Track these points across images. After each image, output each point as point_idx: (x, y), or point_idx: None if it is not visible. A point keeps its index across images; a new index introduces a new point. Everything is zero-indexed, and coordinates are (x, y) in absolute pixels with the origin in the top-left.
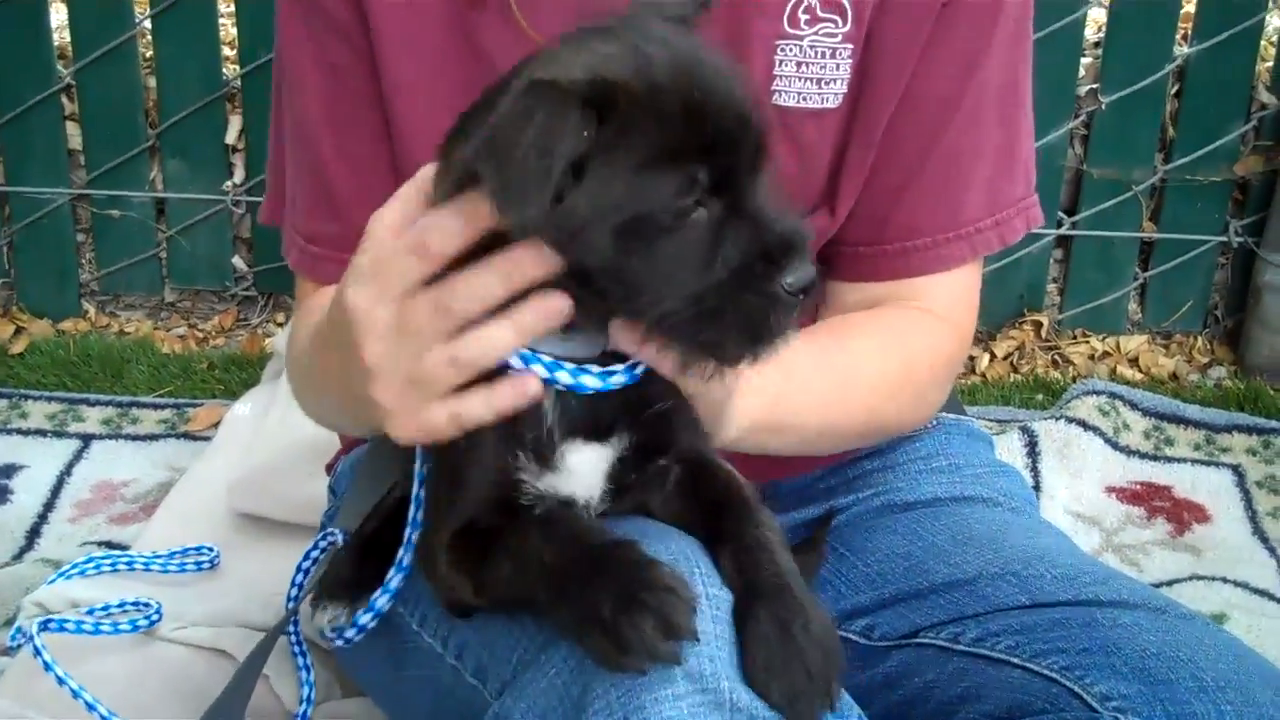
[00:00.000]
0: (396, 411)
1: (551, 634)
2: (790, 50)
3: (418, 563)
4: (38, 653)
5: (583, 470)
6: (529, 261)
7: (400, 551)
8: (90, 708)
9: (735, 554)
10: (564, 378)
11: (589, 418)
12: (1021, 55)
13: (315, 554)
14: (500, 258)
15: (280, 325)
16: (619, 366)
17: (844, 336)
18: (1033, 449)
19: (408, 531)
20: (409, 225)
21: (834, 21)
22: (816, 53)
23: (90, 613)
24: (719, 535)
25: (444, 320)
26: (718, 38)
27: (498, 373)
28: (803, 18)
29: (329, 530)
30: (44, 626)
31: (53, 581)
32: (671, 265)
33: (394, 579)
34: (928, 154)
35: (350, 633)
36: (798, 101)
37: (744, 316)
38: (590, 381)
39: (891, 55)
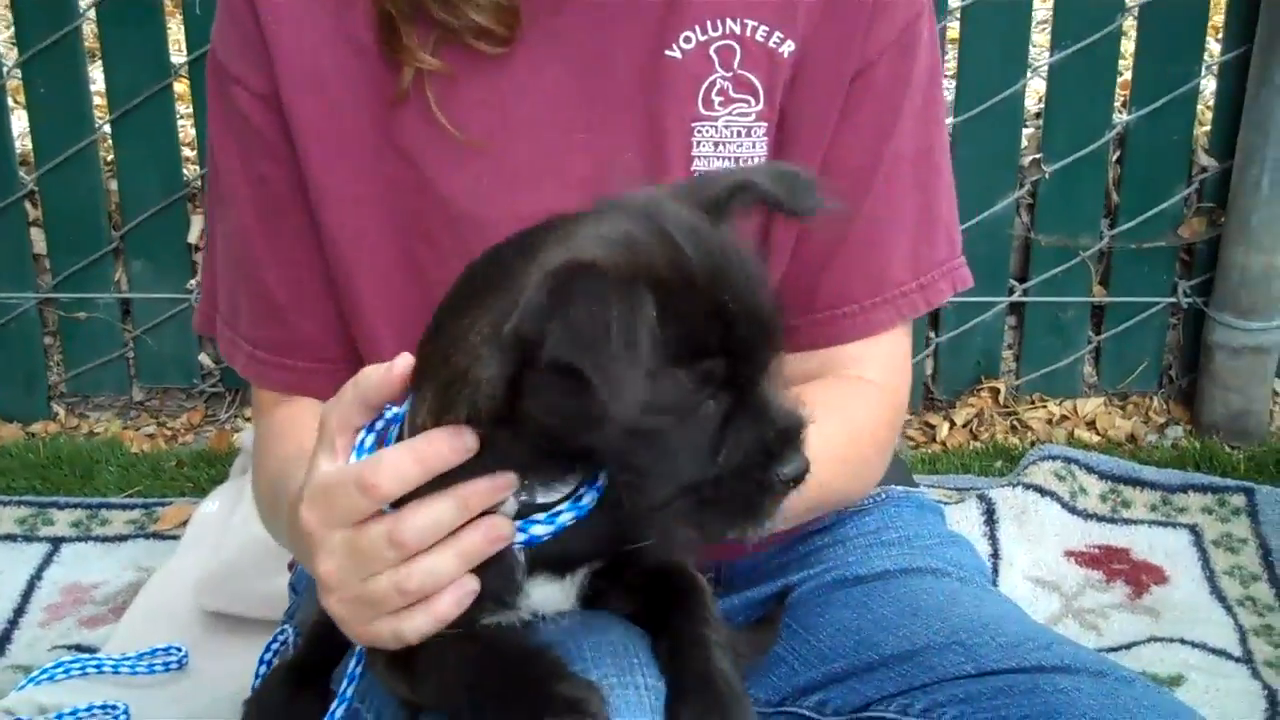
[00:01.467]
0: (345, 619)
1: None
2: (706, 131)
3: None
4: None
5: (547, 603)
6: (485, 492)
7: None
8: None
9: (671, 649)
10: (538, 530)
11: (558, 556)
12: (933, 119)
13: (275, 648)
14: (459, 490)
15: (248, 420)
16: (564, 505)
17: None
18: (990, 516)
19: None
20: (348, 427)
21: (746, 101)
22: (732, 132)
23: (59, 718)
24: (663, 630)
25: (395, 551)
26: (635, 127)
27: None
28: (716, 99)
29: (282, 628)
30: None
31: (22, 688)
32: (675, 455)
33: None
34: (848, 222)
35: None
36: None
37: (736, 502)
38: (540, 530)
39: (807, 131)
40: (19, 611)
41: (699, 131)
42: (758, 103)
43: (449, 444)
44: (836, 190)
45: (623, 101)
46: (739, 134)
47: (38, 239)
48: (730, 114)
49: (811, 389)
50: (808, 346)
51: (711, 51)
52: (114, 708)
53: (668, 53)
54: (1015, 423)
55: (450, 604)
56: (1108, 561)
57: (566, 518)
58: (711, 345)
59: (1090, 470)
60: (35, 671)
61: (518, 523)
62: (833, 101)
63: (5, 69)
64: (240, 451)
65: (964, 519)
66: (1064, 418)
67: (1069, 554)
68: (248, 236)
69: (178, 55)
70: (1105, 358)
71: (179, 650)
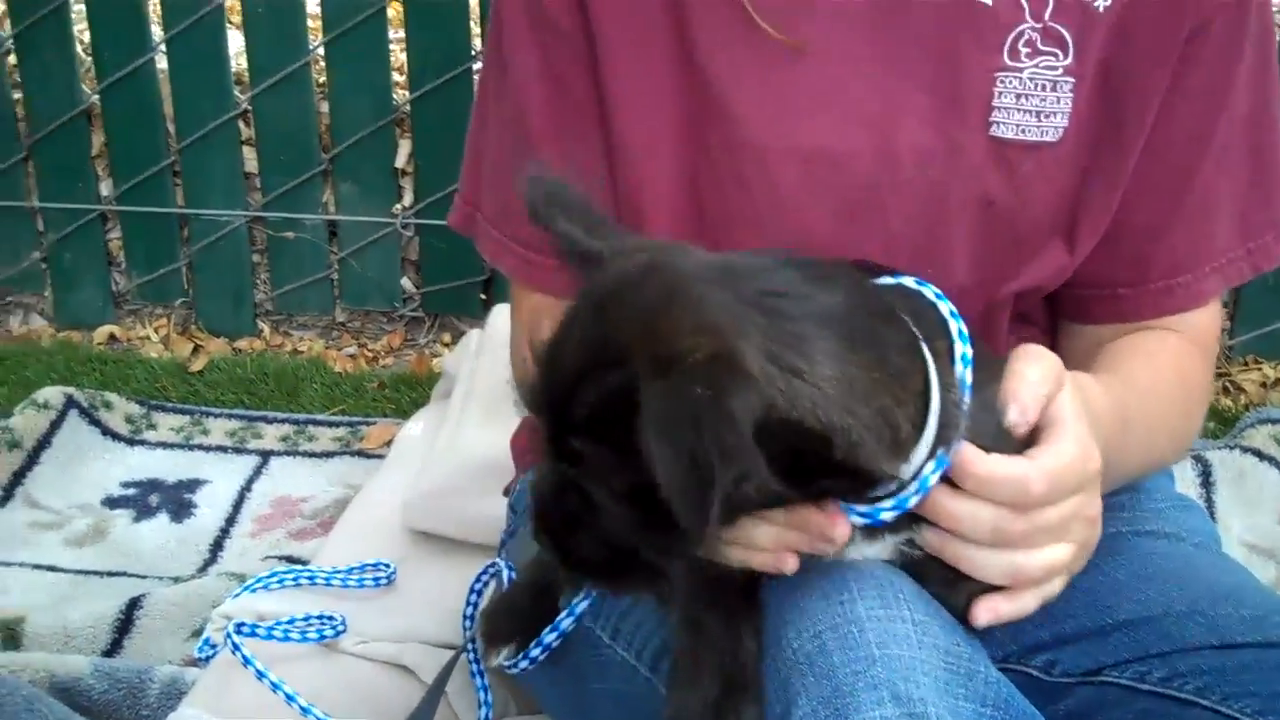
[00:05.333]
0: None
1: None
2: (1010, 82)
3: None
4: (246, 660)
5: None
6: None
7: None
8: (297, 703)
9: None
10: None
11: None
12: (1267, 74)
13: (485, 579)
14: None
15: (446, 346)
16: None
17: (1143, 365)
18: (1206, 479)
19: None
20: None
21: (1055, 55)
22: (1036, 85)
23: (278, 625)
24: None
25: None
26: (932, 69)
27: None
28: (1023, 50)
29: (494, 562)
30: (239, 630)
31: (238, 595)
32: None
33: (565, 620)
34: (1183, 193)
35: (524, 663)
36: (1017, 134)
37: None
38: (888, 516)
39: (1134, 93)
40: (230, 521)
41: (1001, 82)
42: (1066, 57)
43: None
44: (1170, 166)
45: (922, 40)
46: (1044, 88)
47: (249, 158)
48: (1037, 66)
49: (1145, 340)
50: (1134, 317)
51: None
52: (331, 618)
53: None
54: (1228, 384)
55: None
56: None
57: (914, 501)
58: None
59: None
60: (250, 580)
61: (863, 507)
62: (1164, 63)
63: None
64: (442, 375)
65: (1180, 481)
66: (1278, 381)
67: None
68: (536, 138)
69: None
70: None
71: (388, 566)
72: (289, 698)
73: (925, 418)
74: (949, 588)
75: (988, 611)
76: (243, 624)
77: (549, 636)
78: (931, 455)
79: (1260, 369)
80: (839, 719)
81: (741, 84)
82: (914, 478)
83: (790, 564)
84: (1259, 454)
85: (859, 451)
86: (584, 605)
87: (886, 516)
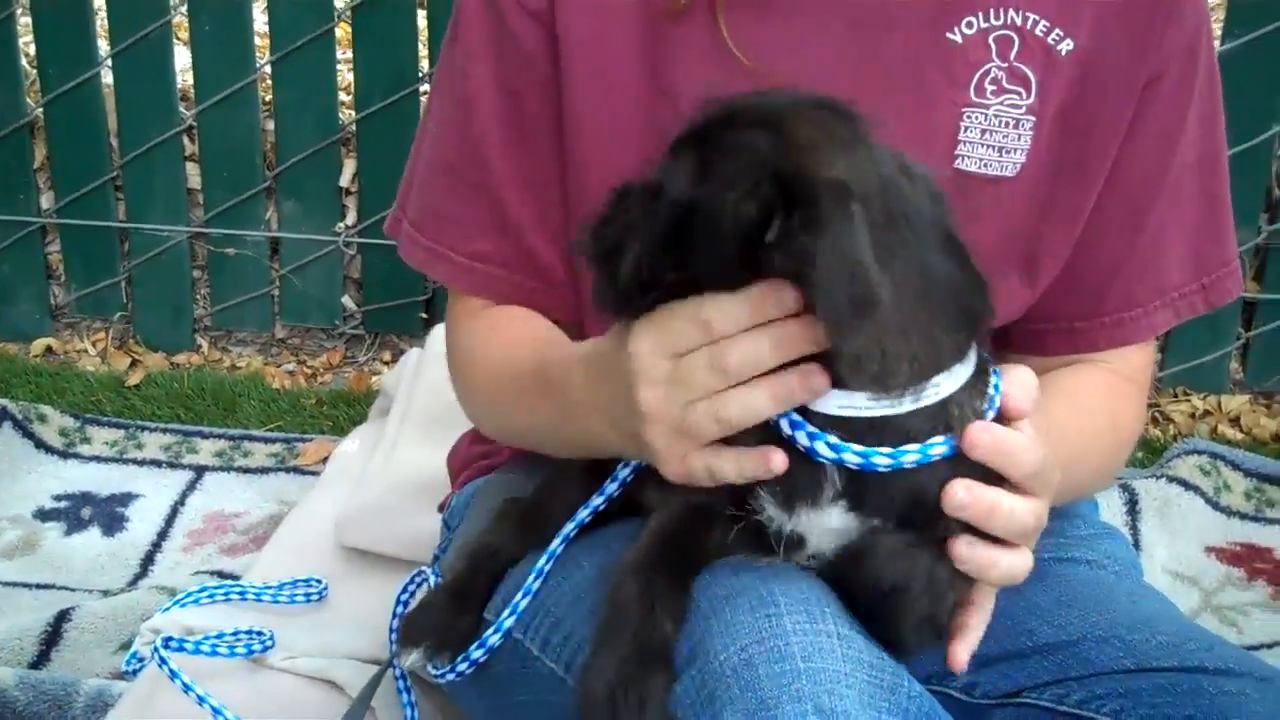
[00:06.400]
0: (663, 453)
1: (685, 661)
2: (975, 118)
3: None
4: (173, 674)
5: (824, 539)
6: (804, 337)
7: (530, 578)
8: (224, 716)
9: None
10: (822, 449)
11: (858, 489)
12: (1215, 123)
13: (411, 588)
14: (779, 328)
15: (386, 364)
16: (912, 446)
17: (1074, 398)
18: (1133, 507)
19: (539, 566)
20: None
21: (1019, 93)
22: (1000, 122)
23: (206, 639)
24: None
25: (716, 379)
26: (902, 101)
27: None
28: (989, 88)
29: (421, 570)
30: (166, 645)
31: (168, 609)
32: None
33: (492, 636)
34: (1137, 230)
35: (450, 675)
36: (979, 168)
37: None
38: (879, 461)
39: (1098, 135)
40: (162, 535)
41: (968, 117)
42: (1029, 96)
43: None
44: (1128, 204)
45: (895, 74)
46: (1007, 125)
47: (193, 174)
48: (1001, 104)
49: (1074, 379)
50: (1087, 349)
51: (991, 40)
52: (260, 633)
53: (949, 35)
54: (1157, 414)
55: (756, 465)
56: (1249, 560)
57: (912, 458)
58: None
59: (1236, 467)
60: (180, 594)
61: (859, 448)
62: (1124, 107)
63: (171, 4)
64: (380, 393)
65: (1107, 508)
66: (1207, 413)
67: (1210, 550)
68: (486, 150)
69: None
70: (1253, 355)
71: (319, 582)
72: (215, 711)
73: (953, 373)
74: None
75: (965, 650)
76: (170, 638)
77: (476, 652)
78: (936, 429)
79: (1189, 400)
80: None
81: None
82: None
83: (778, 460)
84: (1185, 483)
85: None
86: (509, 621)
87: (879, 461)
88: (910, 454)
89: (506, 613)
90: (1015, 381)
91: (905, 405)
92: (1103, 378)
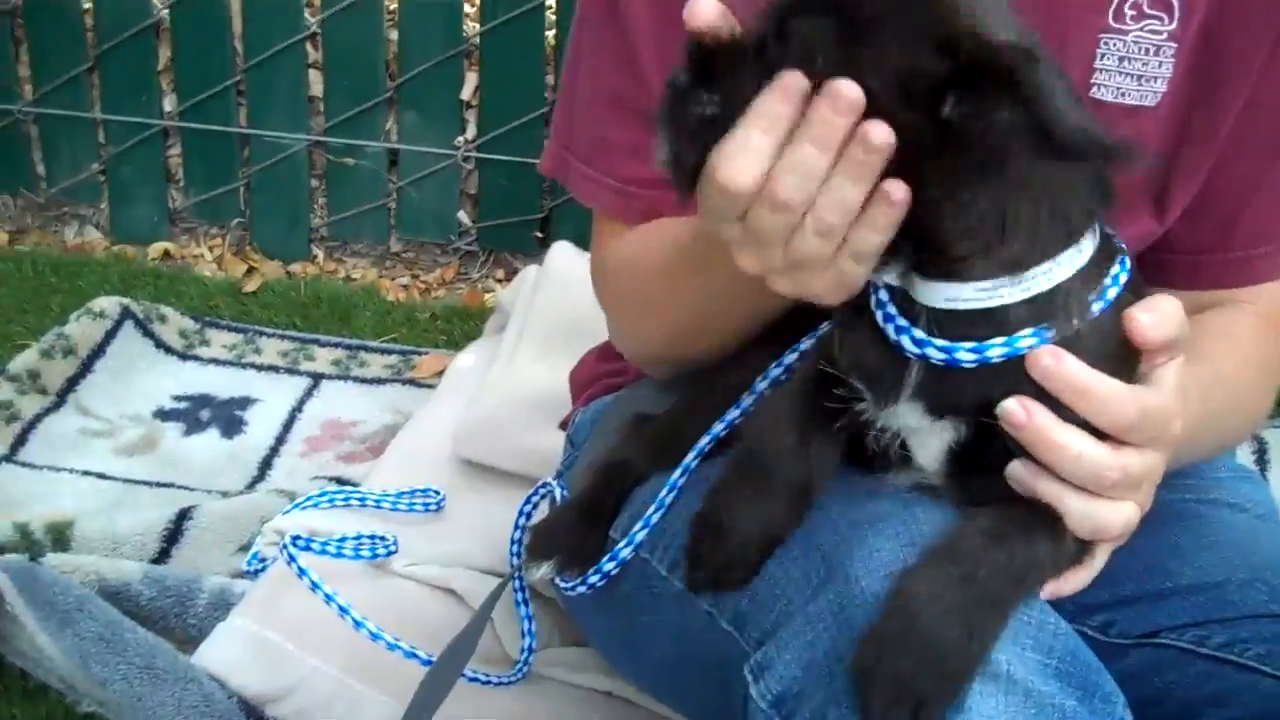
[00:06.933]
0: (798, 288)
1: (821, 581)
2: (1114, 44)
3: None
4: (301, 571)
5: (911, 434)
6: (870, 143)
7: (649, 512)
8: (350, 616)
9: None
10: (907, 343)
11: (932, 385)
12: None
13: (535, 499)
14: (844, 159)
15: (500, 282)
16: (998, 339)
17: (1226, 349)
18: (1261, 456)
19: (672, 480)
20: None
21: (1160, 19)
22: (1140, 49)
23: (330, 541)
24: None
25: (783, 215)
26: (1037, 24)
27: None
28: (1129, 13)
29: (546, 481)
30: (295, 543)
31: (290, 510)
32: None
33: (624, 549)
34: (1273, 159)
35: (594, 579)
36: (1116, 97)
37: None
38: (964, 356)
39: (1235, 57)
40: (280, 440)
41: (1105, 43)
42: (1171, 21)
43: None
44: (1265, 128)
45: None
46: (1147, 51)
47: (315, 81)
48: (1141, 30)
49: (1226, 321)
50: (1213, 285)
51: None
52: (383, 538)
53: None
54: None
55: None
56: None
57: (995, 353)
58: None
59: None
60: (300, 498)
61: (944, 342)
62: (1267, 28)
63: None
64: (496, 310)
65: (1236, 457)
66: None
67: None
68: (646, 69)
69: None
70: None
71: (438, 493)
72: (342, 610)
73: (1061, 262)
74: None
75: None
76: (298, 537)
77: (608, 565)
78: (1037, 319)
79: None
80: None
81: None
82: (1009, 332)
83: (898, 191)
84: None
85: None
86: (642, 534)
87: (963, 356)
88: (996, 347)
89: (639, 525)
90: (1152, 308)
91: (1015, 293)
92: (1246, 319)
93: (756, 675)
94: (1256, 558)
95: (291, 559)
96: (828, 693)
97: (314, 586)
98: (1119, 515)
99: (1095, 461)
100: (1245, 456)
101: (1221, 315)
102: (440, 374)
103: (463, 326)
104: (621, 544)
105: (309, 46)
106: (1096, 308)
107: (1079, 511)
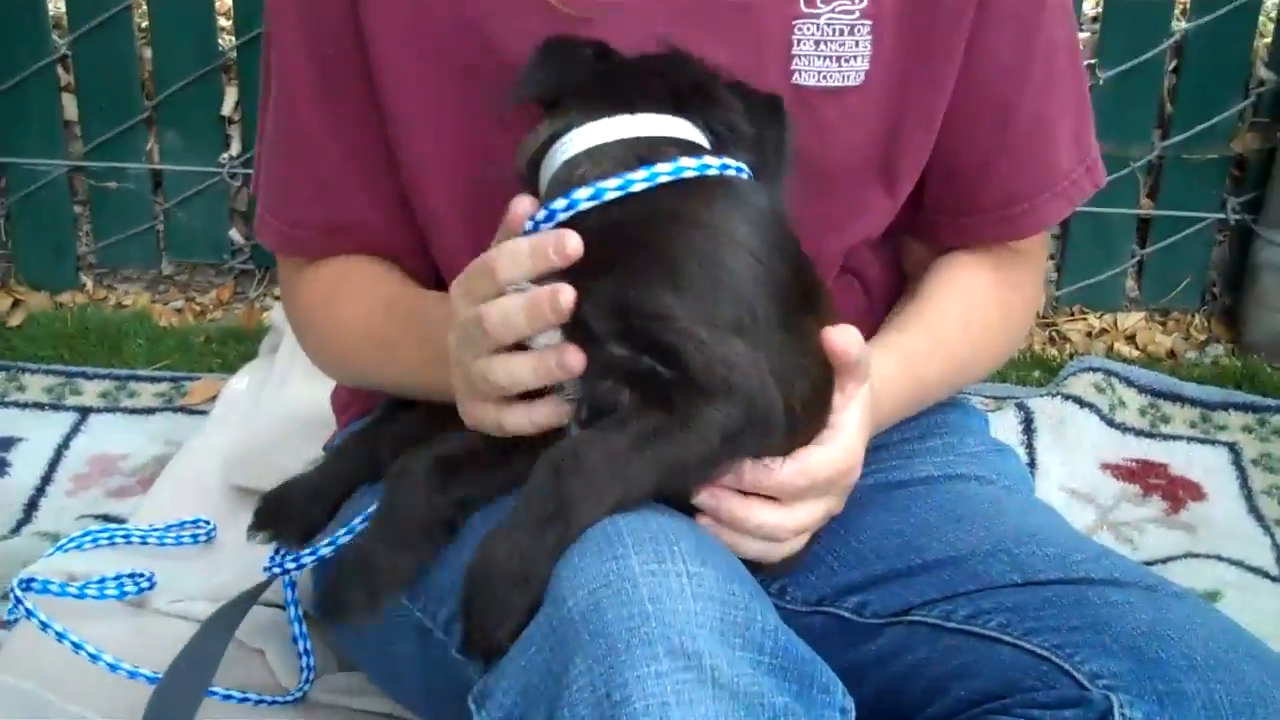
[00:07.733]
0: (460, 395)
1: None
2: (808, 29)
3: None
4: (29, 613)
5: None
6: (548, 295)
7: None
8: (85, 651)
9: None
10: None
11: None
12: (1069, 13)
13: None
14: (531, 293)
15: (278, 299)
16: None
17: (956, 298)
18: (1028, 426)
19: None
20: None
21: None
22: (834, 30)
23: (87, 585)
24: None
25: (482, 337)
26: (732, 19)
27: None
28: None
29: None
30: (26, 587)
31: (50, 555)
32: None
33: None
34: (1005, 125)
35: (290, 564)
36: (818, 80)
37: None
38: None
39: (941, 35)
40: (46, 479)
41: (799, 29)
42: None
43: (555, 241)
44: (988, 101)
45: None
46: (841, 32)
47: (69, 105)
48: (832, 11)
49: (968, 267)
50: (978, 241)
51: None
52: (141, 575)
53: None
54: (1054, 334)
55: (548, 414)
56: (1145, 476)
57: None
58: None
59: (1130, 384)
60: (63, 540)
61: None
62: (965, 8)
63: None
64: (270, 330)
65: (1002, 427)
66: (1103, 331)
67: (1105, 467)
68: (302, 117)
69: None
70: (1148, 272)
71: (207, 523)
72: (75, 646)
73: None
74: None
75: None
76: (32, 579)
77: (324, 548)
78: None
79: (1085, 319)
80: (614, 676)
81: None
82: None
83: (573, 358)
84: (1079, 401)
85: None
86: (361, 525)
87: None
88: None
89: (359, 518)
90: (844, 330)
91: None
92: (991, 265)
93: (479, 704)
94: (1001, 528)
95: (18, 601)
96: (545, 714)
97: (44, 626)
98: (777, 552)
99: (774, 527)
100: (1013, 426)
101: (960, 267)
102: (214, 399)
103: (238, 348)
104: (342, 531)
105: (60, 69)
106: (611, 185)
107: (740, 543)
